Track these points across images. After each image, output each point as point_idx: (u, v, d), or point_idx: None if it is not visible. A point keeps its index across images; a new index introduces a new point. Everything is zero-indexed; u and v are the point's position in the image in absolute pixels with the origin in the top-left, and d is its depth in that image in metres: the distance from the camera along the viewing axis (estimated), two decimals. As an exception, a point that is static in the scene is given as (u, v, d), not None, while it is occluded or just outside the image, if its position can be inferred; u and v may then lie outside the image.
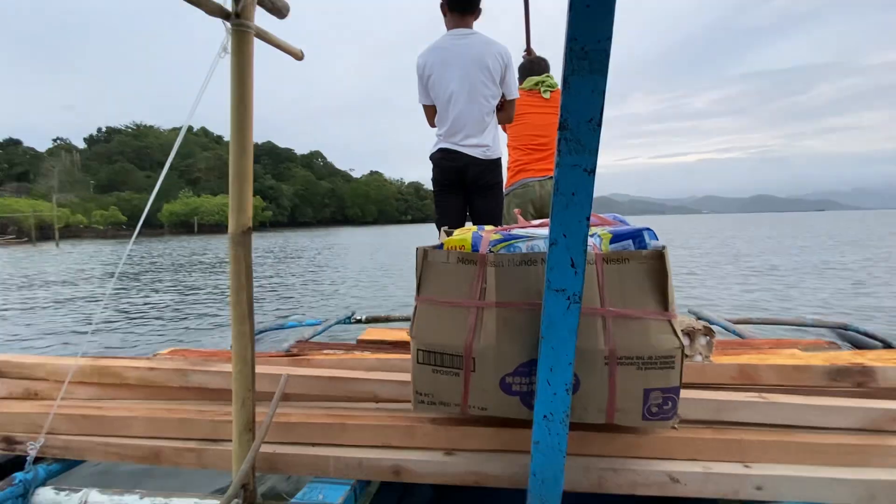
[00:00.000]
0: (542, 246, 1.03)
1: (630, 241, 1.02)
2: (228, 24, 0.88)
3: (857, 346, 2.81)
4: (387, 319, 3.47)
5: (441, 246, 1.05)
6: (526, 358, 0.96)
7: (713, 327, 3.04)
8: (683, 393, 1.21)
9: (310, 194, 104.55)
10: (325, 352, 2.09)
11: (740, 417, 1.16)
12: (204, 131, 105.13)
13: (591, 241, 1.05)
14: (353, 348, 2.31)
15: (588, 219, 0.77)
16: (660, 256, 0.96)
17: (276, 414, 1.22)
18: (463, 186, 2.61)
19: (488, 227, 1.18)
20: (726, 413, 1.16)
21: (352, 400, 1.32)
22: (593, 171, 0.76)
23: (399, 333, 2.59)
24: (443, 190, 2.64)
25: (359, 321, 3.50)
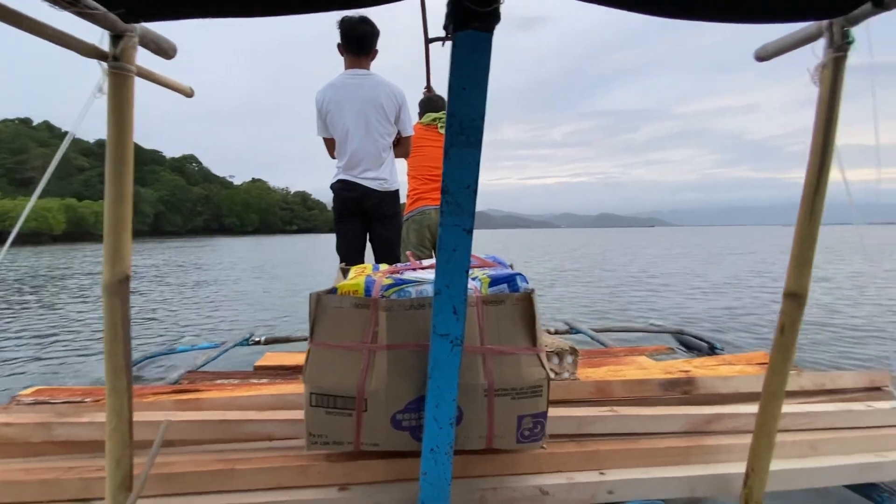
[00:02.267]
0: (431, 290, 1.08)
1: (505, 285, 1.11)
2: (105, 65, 0.81)
3: (689, 347, 3.30)
4: (287, 340, 3.31)
5: (335, 290, 1.05)
6: (415, 395, 1.00)
7: (581, 337, 3.38)
8: (551, 411, 1.34)
9: (178, 200, 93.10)
10: (218, 383, 1.93)
11: (597, 430, 1.32)
12: (48, 126, 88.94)
13: (472, 284, 1.13)
14: (249, 376, 2.17)
15: (467, 271, 0.84)
16: (529, 298, 1.07)
17: (159, 463, 1.11)
18: (362, 215, 2.65)
19: (381, 270, 1.20)
20: (586, 427, 1.31)
21: (244, 441, 1.25)
22: (471, 231, 0.83)
23: (299, 357, 2.49)
24: (342, 218, 2.67)
25: (257, 343, 3.29)
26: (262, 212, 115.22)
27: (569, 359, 1.73)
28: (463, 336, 0.85)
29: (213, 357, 2.82)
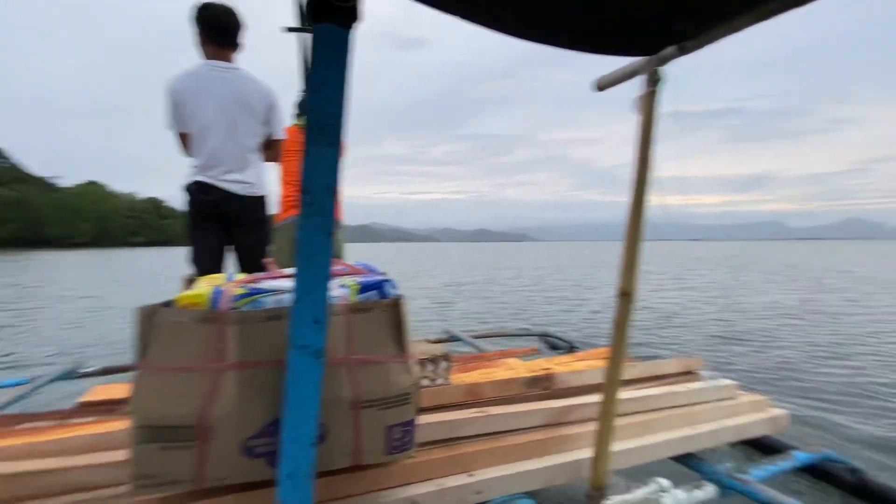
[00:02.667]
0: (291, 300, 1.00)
1: (375, 292, 1.08)
2: None
3: (554, 347, 3.59)
4: (124, 370, 2.82)
5: (172, 303, 0.91)
6: (271, 417, 0.90)
7: (461, 344, 3.48)
8: (423, 418, 1.33)
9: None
10: (23, 427, 1.55)
11: (466, 432, 1.34)
12: None
13: (341, 291, 1.07)
14: (70, 415, 1.78)
15: (328, 277, 0.79)
16: (397, 305, 1.05)
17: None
18: (221, 222, 2.37)
19: (235, 280, 1.08)
20: (456, 430, 1.33)
21: (56, 495, 1.01)
22: (331, 234, 0.78)
23: None
24: (197, 225, 2.35)
25: (87, 374, 2.74)
26: (100, 220, 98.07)
27: (442, 364, 1.75)
28: (324, 348, 0.79)
29: (21, 395, 2.28)
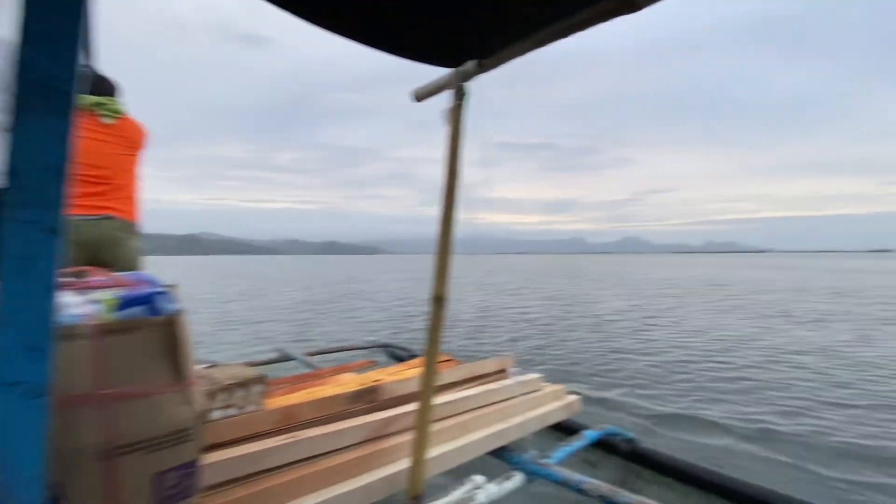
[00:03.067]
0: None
1: (142, 308, 0.88)
2: None
3: (397, 358, 3.52)
4: None
5: None
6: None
7: (294, 363, 3.20)
8: (220, 454, 1.14)
9: None
10: None
11: (276, 461, 1.19)
12: None
13: (90, 308, 0.84)
14: None
15: (51, 289, 0.60)
16: (173, 323, 0.87)
17: None
18: None
19: None
20: (261, 462, 1.17)
21: None
22: (57, 231, 0.59)
23: None
24: None
25: None
26: None
27: (255, 389, 1.56)
28: (48, 383, 0.60)
29: None
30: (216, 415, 1.38)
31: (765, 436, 2.29)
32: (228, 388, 1.48)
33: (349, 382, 1.85)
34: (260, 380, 1.56)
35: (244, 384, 1.53)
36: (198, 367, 1.48)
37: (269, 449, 1.17)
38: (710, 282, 14.54)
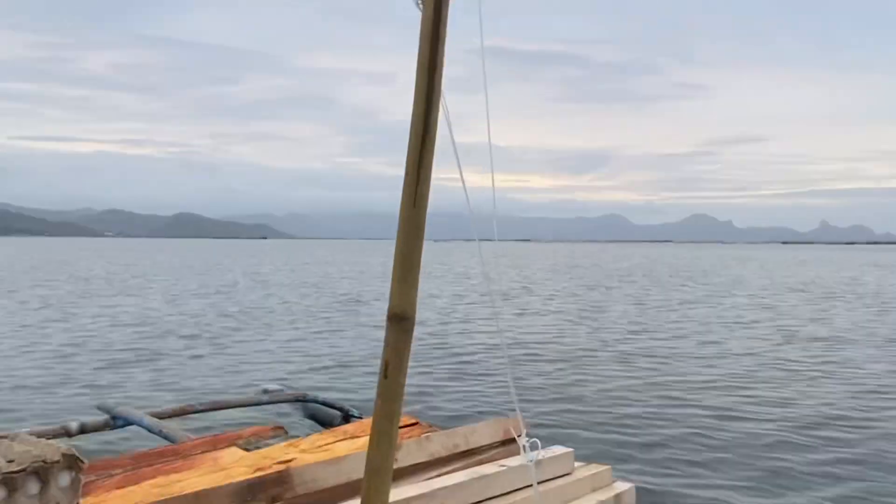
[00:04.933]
0: None
1: None
2: None
3: (318, 419, 3.35)
4: None
5: None
6: None
7: (135, 429, 2.91)
8: None
9: None
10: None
11: None
12: None
13: None
14: None
15: None
16: None
17: None
18: None
19: None
20: None
21: None
22: None
23: None
24: None
25: None
26: None
27: (62, 480, 1.31)
28: None
29: None
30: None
31: None
32: (9, 482, 1.21)
33: (232, 466, 1.61)
34: (73, 463, 1.32)
35: (40, 472, 1.26)
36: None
37: None
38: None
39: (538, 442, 1.62)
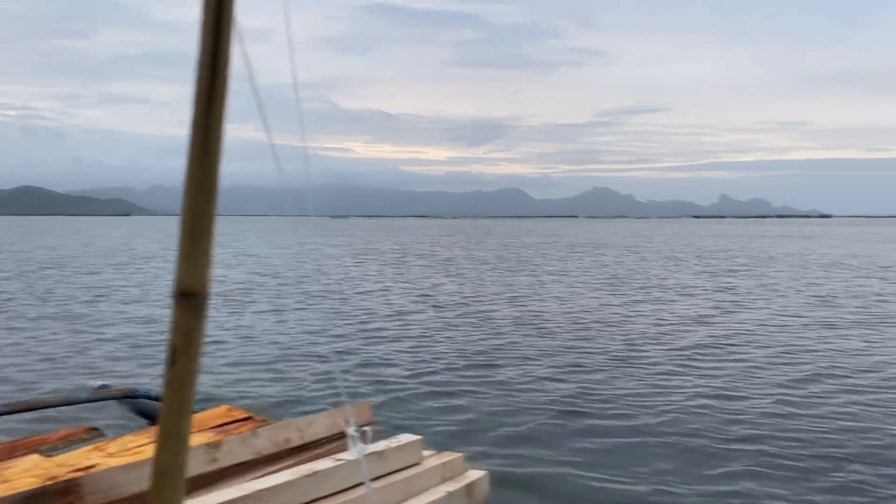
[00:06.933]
0: None
1: None
2: None
3: (150, 416, 3.09)
4: None
5: None
6: None
7: None
8: None
9: None
10: None
11: None
12: None
13: None
14: None
15: None
16: None
17: None
18: None
19: None
20: None
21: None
22: None
23: None
24: None
25: None
26: None
27: None
28: None
29: None
30: None
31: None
32: None
33: (23, 476, 1.40)
34: None
35: None
36: None
37: None
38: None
39: (368, 432, 1.52)
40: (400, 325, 8.60)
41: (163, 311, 9.25)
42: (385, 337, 7.73)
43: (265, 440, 1.49)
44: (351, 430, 1.33)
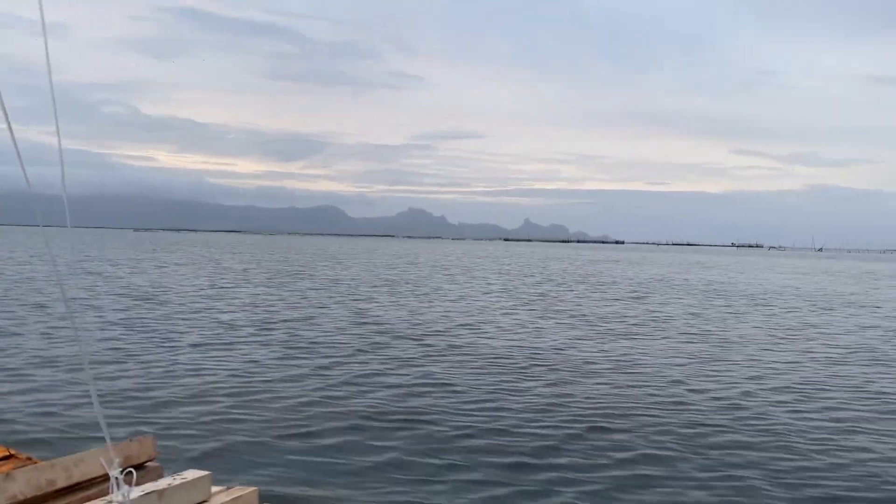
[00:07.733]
0: None
1: None
2: None
3: None
4: None
5: None
6: None
7: None
8: None
9: None
10: None
11: None
12: None
13: None
14: None
15: None
16: None
17: None
18: None
19: None
20: None
21: None
22: None
23: None
24: None
25: None
26: None
27: None
28: None
29: None
30: None
31: None
32: None
33: None
34: None
35: None
36: None
37: None
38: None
39: (134, 473, 1.41)
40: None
41: None
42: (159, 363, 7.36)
43: (22, 483, 1.35)
44: (115, 473, 1.22)
